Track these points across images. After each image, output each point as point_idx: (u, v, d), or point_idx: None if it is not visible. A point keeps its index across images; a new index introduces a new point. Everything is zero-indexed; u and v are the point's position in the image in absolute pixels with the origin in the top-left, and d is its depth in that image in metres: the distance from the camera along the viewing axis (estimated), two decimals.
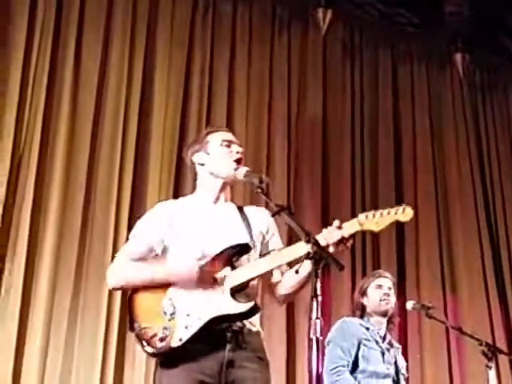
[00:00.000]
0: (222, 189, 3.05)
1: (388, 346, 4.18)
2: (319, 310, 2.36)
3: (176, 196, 5.58)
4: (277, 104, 6.48)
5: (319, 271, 2.42)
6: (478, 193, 7.21)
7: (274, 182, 5.90)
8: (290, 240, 5.85)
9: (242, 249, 2.88)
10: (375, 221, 2.74)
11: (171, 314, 2.74)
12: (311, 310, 2.36)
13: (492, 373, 3.78)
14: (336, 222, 2.72)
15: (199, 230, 2.93)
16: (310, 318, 2.35)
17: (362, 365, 4.04)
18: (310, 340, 2.34)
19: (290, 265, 2.85)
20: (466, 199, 7.14)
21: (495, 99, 7.78)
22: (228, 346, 2.75)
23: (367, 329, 4.16)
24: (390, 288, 4.25)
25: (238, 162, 3.00)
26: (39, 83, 5.34)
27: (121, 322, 5.12)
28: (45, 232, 5.10)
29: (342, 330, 4.14)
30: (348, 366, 4.01)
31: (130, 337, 5.04)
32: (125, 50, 5.75)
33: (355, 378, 4.01)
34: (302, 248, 2.65)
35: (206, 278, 2.78)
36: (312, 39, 6.90)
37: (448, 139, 7.36)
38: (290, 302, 5.79)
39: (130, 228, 5.17)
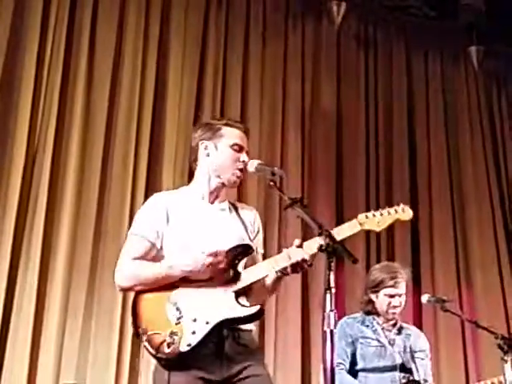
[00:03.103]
0: (220, 188, 3.04)
1: (394, 337, 4.16)
2: (333, 303, 2.36)
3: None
4: (291, 97, 6.47)
5: (332, 264, 2.43)
6: (493, 186, 7.16)
7: (288, 175, 5.90)
8: (304, 235, 5.91)
9: (244, 250, 2.90)
10: (376, 220, 2.82)
11: (177, 319, 2.75)
12: (325, 303, 2.36)
13: (508, 366, 3.76)
14: (296, 241, 2.75)
15: (199, 231, 2.92)
16: (324, 311, 2.36)
17: (360, 363, 4.05)
18: (323, 332, 2.34)
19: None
20: (480, 193, 7.10)
21: (510, 92, 7.72)
22: (226, 342, 2.79)
23: (367, 326, 4.15)
24: (400, 295, 4.14)
25: (241, 172, 3.00)
26: (54, 73, 5.37)
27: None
28: (59, 227, 5.14)
29: (338, 332, 4.13)
30: (343, 364, 4.01)
31: None
32: (139, 40, 5.77)
33: (355, 376, 4.03)
34: (300, 253, 2.71)
35: (218, 271, 2.79)
36: (326, 32, 6.87)
37: (462, 132, 7.32)
38: (304, 296, 5.82)
39: None
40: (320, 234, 2.50)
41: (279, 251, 5.62)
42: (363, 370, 4.04)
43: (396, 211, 2.87)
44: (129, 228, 5.13)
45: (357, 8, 7.04)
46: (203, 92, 6.01)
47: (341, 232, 2.78)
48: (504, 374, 3.79)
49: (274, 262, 2.83)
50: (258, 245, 3.08)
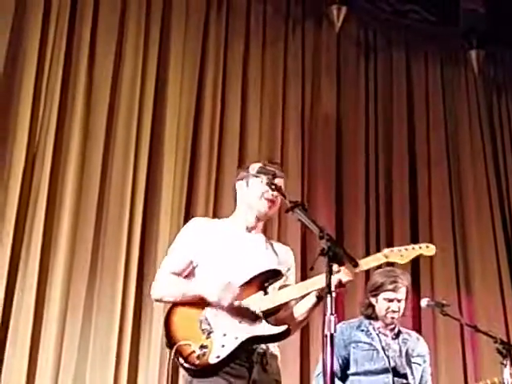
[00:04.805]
0: (256, 222, 3.17)
1: (390, 341, 4.16)
2: (333, 306, 2.36)
3: (189, 197, 5.66)
4: (291, 101, 6.47)
5: (333, 268, 2.44)
6: (492, 192, 7.16)
7: (288, 179, 5.88)
8: (303, 238, 5.91)
9: (274, 275, 3.03)
10: (400, 254, 2.98)
11: (208, 333, 2.86)
12: (325, 306, 2.37)
13: (507, 370, 3.77)
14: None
15: (233, 255, 3.05)
16: (325, 314, 2.36)
17: (352, 368, 4.06)
18: (324, 336, 2.35)
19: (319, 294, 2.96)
20: (481, 199, 7.09)
21: (510, 96, 7.73)
22: (255, 368, 2.90)
23: (362, 330, 4.16)
24: (399, 301, 4.15)
25: (271, 202, 3.09)
26: (54, 78, 5.36)
27: (134, 322, 5.17)
28: (59, 227, 5.12)
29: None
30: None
31: (144, 336, 5.11)
32: (139, 44, 5.77)
33: (346, 380, 4.04)
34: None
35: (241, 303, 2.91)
36: (326, 36, 6.88)
37: (463, 137, 7.32)
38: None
39: (144, 227, 5.34)
40: (321, 238, 2.51)
41: None
42: (356, 373, 4.05)
43: (420, 247, 3.04)
44: (129, 227, 5.26)
45: (357, 12, 7.04)
46: (203, 95, 6.00)
47: (368, 263, 2.96)
48: (503, 378, 3.79)
49: (309, 285, 2.94)
50: (289, 281, 3.19)
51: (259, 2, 6.55)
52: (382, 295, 4.15)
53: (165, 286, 3.05)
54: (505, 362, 3.79)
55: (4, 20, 5.27)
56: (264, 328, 2.88)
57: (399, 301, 4.14)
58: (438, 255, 6.52)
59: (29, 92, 5.21)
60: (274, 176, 2.92)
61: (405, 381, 4.05)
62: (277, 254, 3.17)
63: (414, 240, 6.62)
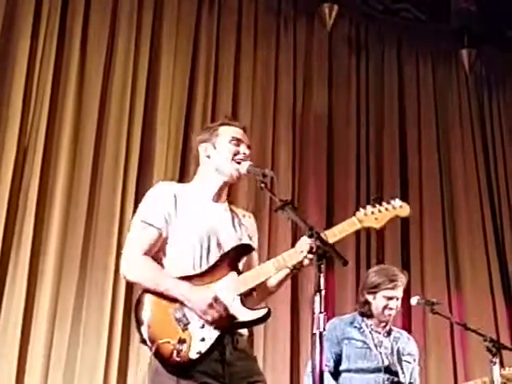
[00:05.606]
0: (223, 187, 3.04)
1: (382, 339, 4.17)
2: (323, 305, 2.36)
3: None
4: (282, 99, 6.47)
5: (323, 266, 2.43)
6: (483, 189, 7.19)
7: (279, 177, 5.90)
8: (294, 236, 5.91)
9: (245, 250, 2.94)
10: (374, 217, 2.82)
11: (185, 325, 2.72)
12: (315, 305, 2.36)
13: (496, 368, 3.78)
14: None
15: (204, 227, 2.91)
16: (314, 313, 2.36)
17: (344, 364, 4.05)
18: (313, 334, 2.34)
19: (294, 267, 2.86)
20: (471, 196, 7.12)
21: (501, 96, 7.75)
22: (227, 349, 2.77)
23: (355, 327, 4.16)
24: (398, 299, 4.16)
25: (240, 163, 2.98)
26: (45, 72, 5.36)
27: (124, 322, 5.14)
28: (50, 218, 5.11)
29: (326, 332, 4.13)
30: (327, 366, 3.99)
31: (133, 346, 5.09)
32: (131, 39, 5.76)
33: (338, 376, 4.04)
34: (308, 241, 2.65)
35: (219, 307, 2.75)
36: (317, 34, 6.88)
37: (454, 136, 7.34)
38: (294, 297, 5.81)
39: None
40: (311, 236, 2.49)
41: (269, 252, 5.63)
42: (348, 370, 4.04)
43: (394, 207, 2.87)
44: (119, 228, 5.24)
45: (348, 11, 7.05)
46: (195, 93, 5.99)
47: (341, 230, 2.80)
48: (492, 376, 3.80)
49: (281, 260, 2.81)
50: (255, 248, 3.09)
51: (251, 1, 6.54)
52: (382, 293, 4.15)
53: (143, 270, 2.82)
54: (494, 360, 3.80)
55: None
56: (243, 314, 2.76)
57: (397, 299, 4.17)
58: (428, 254, 6.64)
59: (20, 86, 5.20)
60: (264, 175, 2.86)
61: (396, 379, 4.05)
62: (244, 226, 3.05)
63: (405, 239, 6.65)
